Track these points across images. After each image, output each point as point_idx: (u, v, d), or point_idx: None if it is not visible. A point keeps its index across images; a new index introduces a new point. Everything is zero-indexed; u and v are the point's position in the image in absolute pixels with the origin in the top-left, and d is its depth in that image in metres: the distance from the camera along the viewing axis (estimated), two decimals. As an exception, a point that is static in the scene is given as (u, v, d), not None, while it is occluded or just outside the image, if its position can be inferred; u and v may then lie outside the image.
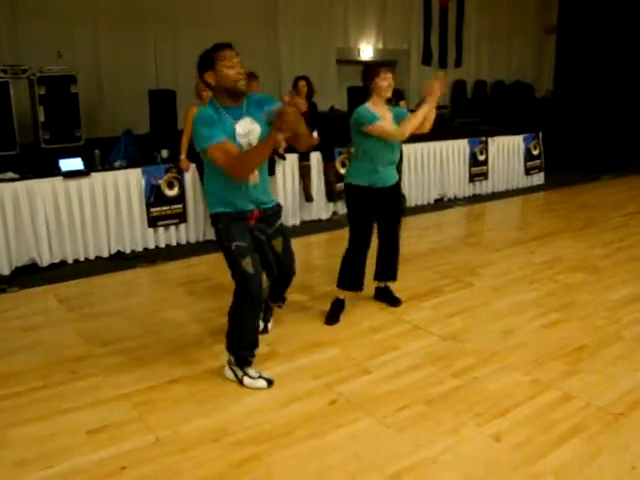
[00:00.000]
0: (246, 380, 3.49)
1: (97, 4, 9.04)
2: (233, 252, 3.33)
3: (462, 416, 3.13)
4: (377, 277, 4.67)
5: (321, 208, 7.49)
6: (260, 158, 3.26)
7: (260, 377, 3.51)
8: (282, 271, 3.77)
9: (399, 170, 7.64)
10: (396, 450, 2.85)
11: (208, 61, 3.24)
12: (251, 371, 3.52)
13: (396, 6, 12.79)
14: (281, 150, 6.66)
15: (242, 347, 3.50)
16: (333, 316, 4.36)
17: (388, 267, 4.60)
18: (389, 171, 4.32)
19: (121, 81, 9.25)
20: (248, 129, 3.28)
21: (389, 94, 4.26)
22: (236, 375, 3.53)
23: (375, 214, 4.35)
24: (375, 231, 4.43)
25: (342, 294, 4.43)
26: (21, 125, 7.58)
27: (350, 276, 4.37)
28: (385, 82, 4.19)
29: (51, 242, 5.67)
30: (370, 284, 4.61)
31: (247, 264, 3.32)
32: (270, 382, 3.50)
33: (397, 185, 4.45)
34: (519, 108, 12.75)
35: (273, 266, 3.70)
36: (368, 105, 4.21)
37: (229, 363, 3.56)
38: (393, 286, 4.74)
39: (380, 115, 4.15)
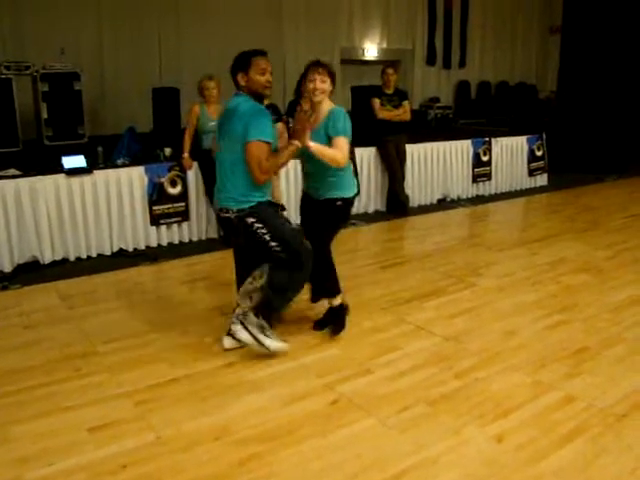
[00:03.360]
0: (267, 341, 3.67)
1: (100, 1, 9.06)
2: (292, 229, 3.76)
3: (464, 417, 3.12)
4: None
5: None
6: (283, 165, 3.76)
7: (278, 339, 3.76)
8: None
9: (402, 170, 7.72)
10: (398, 450, 2.85)
11: (244, 63, 3.55)
12: (269, 333, 3.73)
13: (401, 6, 12.80)
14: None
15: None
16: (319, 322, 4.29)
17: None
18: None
19: (124, 78, 9.28)
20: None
21: (318, 98, 3.82)
22: (255, 337, 3.65)
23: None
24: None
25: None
26: (24, 122, 7.61)
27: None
28: (311, 84, 3.79)
29: (53, 239, 5.67)
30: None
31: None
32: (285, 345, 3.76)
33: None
34: (523, 109, 12.77)
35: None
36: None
37: (247, 325, 3.66)
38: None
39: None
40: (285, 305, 3.92)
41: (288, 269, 3.66)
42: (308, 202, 4.12)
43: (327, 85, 3.82)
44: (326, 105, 3.88)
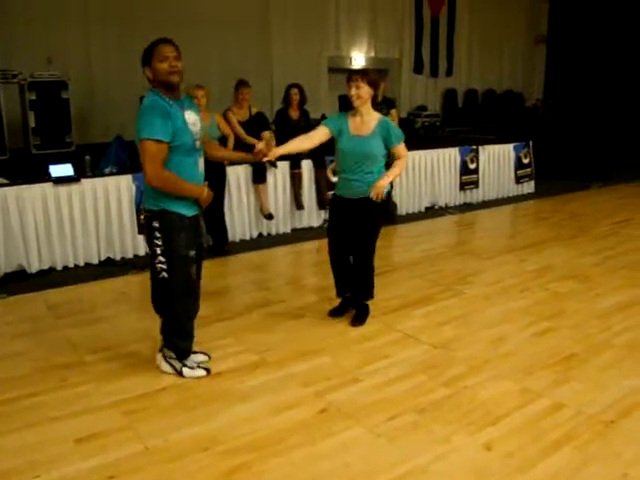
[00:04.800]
0: (185, 371, 3.65)
1: (88, 10, 9.05)
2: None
3: (453, 425, 3.12)
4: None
5: (312, 216, 7.49)
6: (182, 194, 3.38)
7: (198, 367, 3.68)
8: None
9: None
10: (387, 459, 2.84)
11: (147, 56, 3.36)
12: (189, 362, 3.68)
13: (388, 15, 12.86)
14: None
15: (183, 338, 3.66)
16: (336, 310, 4.51)
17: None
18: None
19: (112, 87, 9.26)
20: (193, 119, 3.42)
21: (356, 104, 4.08)
22: (174, 368, 3.66)
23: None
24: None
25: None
26: (11, 130, 7.57)
27: (335, 284, 4.50)
28: (348, 91, 4.08)
29: (40, 248, 5.63)
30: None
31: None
32: (208, 371, 3.67)
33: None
34: (510, 117, 12.82)
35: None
36: None
37: (166, 357, 3.68)
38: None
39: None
40: (179, 331, 3.65)
41: (168, 292, 3.54)
42: (343, 205, 4.23)
43: (363, 91, 4.04)
44: (372, 112, 4.15)
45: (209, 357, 3.86)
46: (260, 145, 3.81)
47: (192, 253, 3.49)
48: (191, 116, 3.41)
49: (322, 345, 4.08)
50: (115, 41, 9.32)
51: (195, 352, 3.81)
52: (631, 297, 4.96)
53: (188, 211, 3.44)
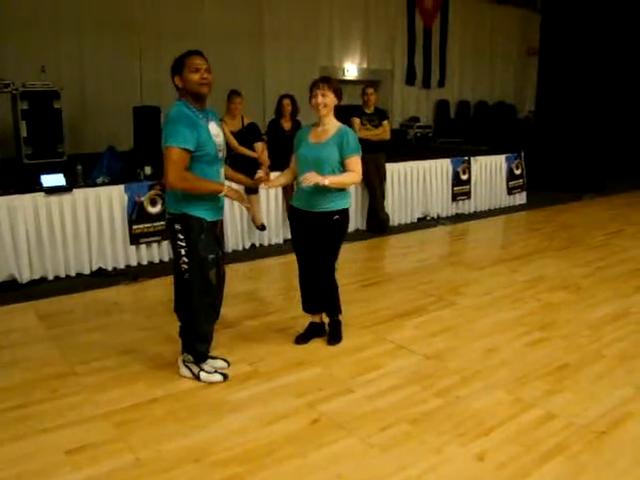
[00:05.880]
0: (202, 375, 3.69)
1: (81, 20, 9.07)
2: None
3: (445, 435, 3.12)
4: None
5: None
6: (204, 191, 3.48)
7: (216, 372, 3.72)
8: None
9: (382, 188, 7.75)
10: (379, 470, 2.83)
11: (178, 66, 3.46)
12: (206, 366, 3.73)
13: (380, 26, 12.94)
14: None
15: (200, 341, 3.71)
16: (301, 337, 4.32)
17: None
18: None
19: (105, 97, 9.27)
20: (216, 131, 3.53)
21: (322, 112, 3.96)
22: (192, 372, 3.72)
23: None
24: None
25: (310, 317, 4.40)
26: (3, 140, 7.56)
27: (302, 298, 4.35)
28: (313, 99, 3.97)
29: (32, 258, 5.60)
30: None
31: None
32: (225, 376, 3.71)
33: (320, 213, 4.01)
34: (501, 128, 12.91)
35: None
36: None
37: (185, 362, 3.74)
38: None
39: None
40: (196, 334, 3.70)
41: (188, 293, 3.61)
42: (300, 216, 4.09)
43: (329, 99, 3.95)
44: (334, 121, 4.04)
45: (228, 364, 3.88)
46: (261, 173, 3.90)
47: (211, 257, 3.56)
48: (214, 127, 3.52)
49: (314, 356, 4.07)
50: (107, 51, 9.34)
51: (214, 357, 3.87)
52: (622, 308, 4.98)
53: (207, 215, 3.53)
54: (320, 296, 4.24)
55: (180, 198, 3.48)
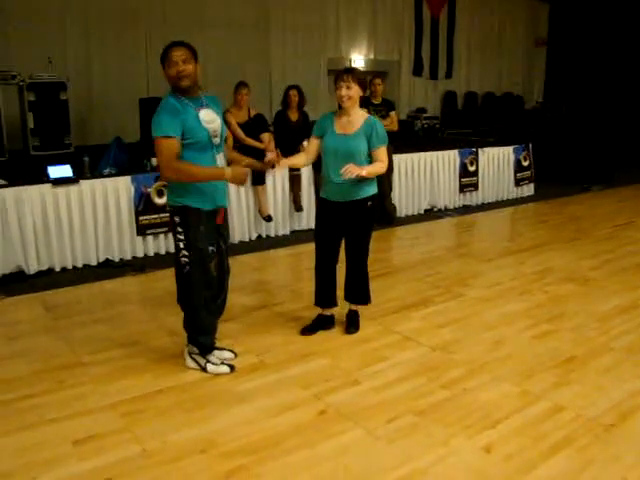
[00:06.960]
0: (209, 367, 3.69)
1: (88, 11, 9.03)
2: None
3: (452, 427, 3.11)
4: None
5: (311, 218, 7.46)
6: (205, 180, 3.46)
7: (222, 363, 3.72)
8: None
9: (389, 180, 7.72)
10: (386, 461, 2.83)
11: (162, 61, 3.49)
12: (213, 358, 3.73)
13: (387, 17, 12.86)
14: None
15: (202, 333, 3.71)
16: (308, 328, 4.33)
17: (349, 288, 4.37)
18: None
19: (112, 89, 9.24)
20: (210, 117, 3.48)
21: (346, 105, 3.95)
22: (199, 363, 3.72)
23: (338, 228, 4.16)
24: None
25: (320, 310, 4.41)
26: (10, 131, 7.54)
27: (316, 292, 4.35)
28: (338, 92, 3.96)
29: (39, 250, 5.62)
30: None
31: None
32: (232, 368, 3.70)
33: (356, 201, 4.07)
34: (509, 119, 12.83)
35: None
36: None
37: (190, 354, 3.74)
38: (362, 310, 4.48)
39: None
40: (198, 326, 3.70)
41: (188, 286, 3.61)
42: (333, 208, 4.11)
43: (354, 91, 3.94)
44: (359, 112, 4.06)
45: (235, 355, 3.88)
46: (271, 155, 3.90)
47: (211, 248, 3.56)
48: (208, 114, 3.47)
49: (321, 347, 4.07)
50: (114, 42, 9.31)
51: (221, 348, 3.87)
52: (630, 300, 4.95)
53: (205, 204, 3.51)
54: (353, 286, 4.28)
55: (177, 189, 3.49)
